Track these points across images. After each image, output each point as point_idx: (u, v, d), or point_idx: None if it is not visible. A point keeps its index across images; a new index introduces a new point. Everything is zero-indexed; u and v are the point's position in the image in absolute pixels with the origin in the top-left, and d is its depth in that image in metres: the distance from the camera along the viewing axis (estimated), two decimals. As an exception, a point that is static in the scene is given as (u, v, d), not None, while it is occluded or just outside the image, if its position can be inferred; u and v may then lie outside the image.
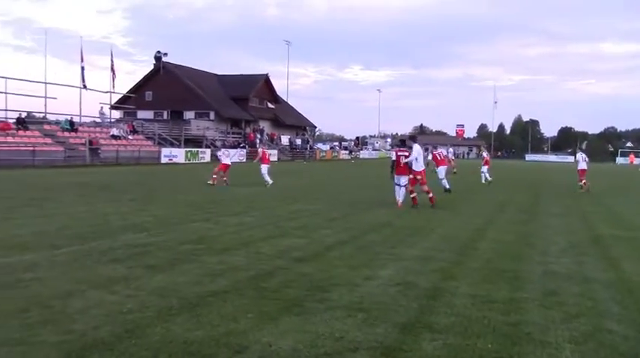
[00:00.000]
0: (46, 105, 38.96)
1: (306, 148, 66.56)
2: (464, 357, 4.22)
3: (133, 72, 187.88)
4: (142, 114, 55.96)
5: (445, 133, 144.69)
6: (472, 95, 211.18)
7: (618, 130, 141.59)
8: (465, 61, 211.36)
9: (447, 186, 19.32)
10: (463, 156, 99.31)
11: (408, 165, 14.37)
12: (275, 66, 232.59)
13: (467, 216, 13.15)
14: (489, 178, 24.58)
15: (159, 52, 59.89)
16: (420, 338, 4.55)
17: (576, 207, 15.78)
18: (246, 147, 52.63)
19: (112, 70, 45.65)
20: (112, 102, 48.91)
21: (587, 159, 22.76)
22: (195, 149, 44.85)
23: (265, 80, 66.41)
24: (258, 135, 58.07)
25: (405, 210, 13.75)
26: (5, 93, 35.34)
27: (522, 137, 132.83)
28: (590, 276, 6.97)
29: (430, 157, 22.14)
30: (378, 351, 4.26)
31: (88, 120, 44.26)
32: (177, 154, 42.06)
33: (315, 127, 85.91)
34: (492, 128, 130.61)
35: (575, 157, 23.45)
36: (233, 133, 58.48)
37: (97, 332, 4.49)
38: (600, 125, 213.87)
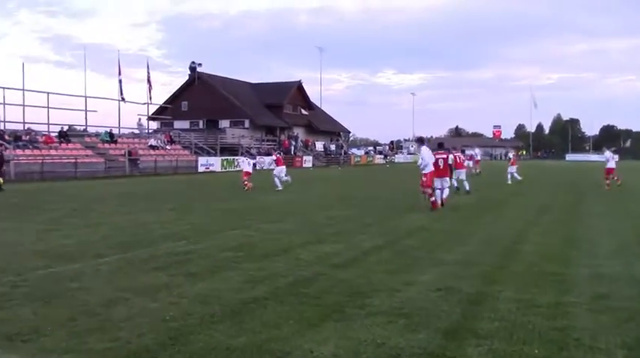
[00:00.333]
0: (86, 118, 39.96)
1: (341, 154, 66.50)
2: (510, 363, 4.13)
3: (169, 83, 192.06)
4: (178, 124, 56.93)
5: (482, 135, 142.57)
6: (508, 95, 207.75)
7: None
8: (500, 61, 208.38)
9: (467, 188, 19.50)
10: (501, 158, 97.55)
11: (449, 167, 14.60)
12: (308, 72, 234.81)
13: (507, 218, 12.94)
14: (519, 177, 25.06)
15: (193, 62, 60.73)
16: (464, 344, 4.48)
17: (620, 207, 15.32)
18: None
19: (149, 81, 46.50)
20: (150, 114, 49.81)
21: (615, 157, 22.45)
22: (231, 157, 45.34)
23: (298, 87, 66.71)
24: (293, 142, 58.35)
25: (444, 213, 13.62)
26: (48, 107, 36.37)
27: (562, 136, 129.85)
28: (640, 279, 6.75)
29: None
30: None
31: (126, 131, 45.27)
32: (214, 163, 42.60)
33: (349, 132, 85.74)
34: (530, 128, 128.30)
35: (604, 155, 23.09)
36: (268, 140, 58.88)
37: (141, 339, 4.57)
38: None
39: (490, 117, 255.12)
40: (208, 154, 45.71)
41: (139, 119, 47.15)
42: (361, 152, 78.23)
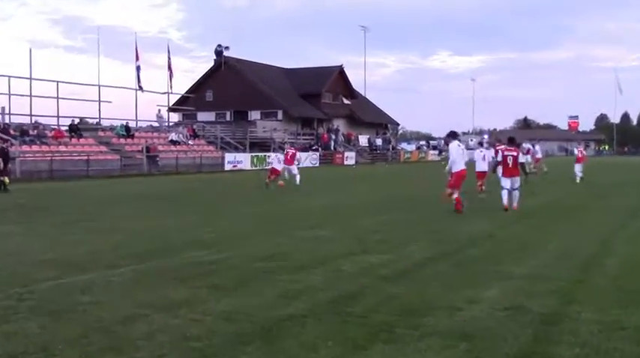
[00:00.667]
0: (100, 109, 40.90)
1: (388, 149, 66.38)
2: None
3: (192, 70, 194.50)
4: (202, 116, 57.74)
5: (555, 127, 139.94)
6: (587, 80, 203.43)
7: None
8: (576, 39, 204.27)
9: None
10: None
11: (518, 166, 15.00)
12: (350, 56, 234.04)
13: (588, 225, 12.70)
14: (579, 174, 25.68)
15: (219, 45, 61.41)
16: (537, 374, 4.37)
17: None
18: (319, 149, 53.11)
19: (169, 68, 47.25)
20: (170, 104, 50.65)
21: None
22: (262, 153, 45.67)
23: (339, 72, 66.78)
24: (333, 136, 58.42)
25: (512, 218, 13.49)
26: (57, 98, 37.35)
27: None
28: None
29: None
30: (487, 388, 4.13)
31: (144, 124, 46.15)
32: (242, 160, 43.04)
33: (398, 125, 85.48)
34: (614, 118, 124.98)
35: None
36: (304, 134, 59.13)
37: (161, 361, 4.62)
38: None
39: (565, 106, 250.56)
40: (236, 150, 46.23)
41: (159, 111, 48.04)
42: (412, 147, 77.96)
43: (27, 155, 31.03)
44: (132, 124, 42.33)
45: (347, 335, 5.21)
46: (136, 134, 41.21)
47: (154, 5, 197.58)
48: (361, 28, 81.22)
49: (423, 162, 63.45)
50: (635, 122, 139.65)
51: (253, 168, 42.26)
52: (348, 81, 68.73)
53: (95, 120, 42.49)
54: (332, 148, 56.25)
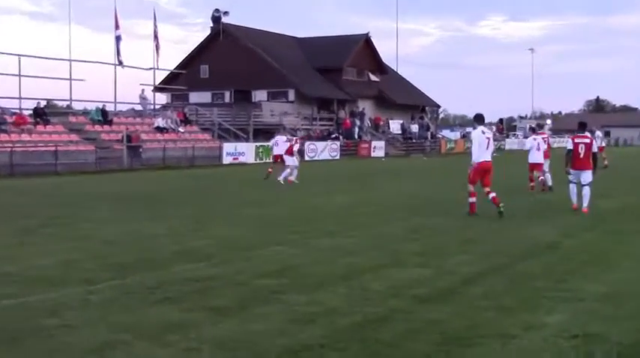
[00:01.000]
0: (71, 89, 41.06)
1: (426, 137, 66.14)
2: None
3: (184, 40, 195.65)
4: (195, 97, 57.80)
5: (635, 109, 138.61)
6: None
7: None
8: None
9: (549, 183, 20.84)
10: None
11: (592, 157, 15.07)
12: (379, 21, 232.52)
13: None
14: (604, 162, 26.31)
15: (217, 10, 61.64)
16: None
17: None
18: (340, 138, 53.05)
19: (156, 38, 47.37)
20: (157, 83, 50.79)
21: None
22: (269, 143, 45.61)
23: (365, 42, 66.64)
24: (357, 121, 58.26)
25: (580, 223, 13.46)
26: (19, 75, 37.53)
27: None
28: None
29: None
30: None
31: (125, 108, 46.36)
32: (245, 151, 43.00)
33: (439, 107, 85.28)
34: None
35: None
36: (321, 119, 59.05)
37: (145, 400, 4.63)
38: None
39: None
40: (237, 139, 46.24)
41: (142, 91, 48.14)
42: (456, 135, 77.64)
43: (-18, 146, 31.26)
44: (110, 108, 42.44)
45: (375, 369, 5.20)
46: (115, 120, 41.33)
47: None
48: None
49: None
50: None
51: (258, 161, 42.12)
52: (377, 53, 68.59)
53: (65, 103, 42.80)
54: (356, 136, 56.14)
